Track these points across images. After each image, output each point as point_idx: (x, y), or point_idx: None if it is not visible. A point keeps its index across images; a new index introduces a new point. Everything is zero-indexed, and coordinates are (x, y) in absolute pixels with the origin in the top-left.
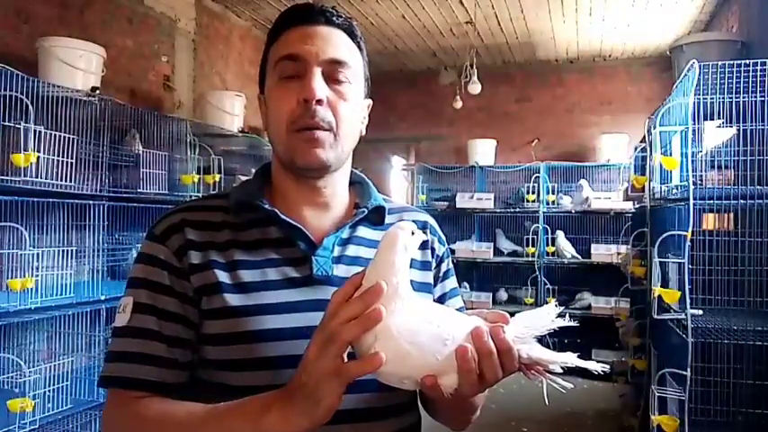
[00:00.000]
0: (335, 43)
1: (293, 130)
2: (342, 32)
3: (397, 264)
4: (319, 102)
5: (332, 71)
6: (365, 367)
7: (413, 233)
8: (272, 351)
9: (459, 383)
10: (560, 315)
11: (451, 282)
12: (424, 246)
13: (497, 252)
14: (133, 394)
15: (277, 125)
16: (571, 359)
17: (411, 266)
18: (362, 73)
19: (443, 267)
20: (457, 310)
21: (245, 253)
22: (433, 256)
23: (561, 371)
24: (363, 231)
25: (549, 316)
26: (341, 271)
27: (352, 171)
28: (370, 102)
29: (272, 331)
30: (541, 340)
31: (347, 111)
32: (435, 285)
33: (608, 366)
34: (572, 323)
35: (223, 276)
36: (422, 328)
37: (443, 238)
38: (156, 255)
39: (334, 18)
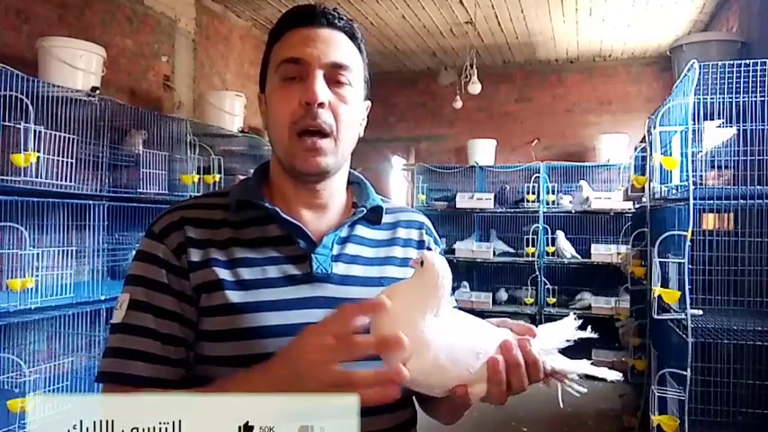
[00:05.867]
0: (337, 46)
1: (295, 132)
2: (343, 35)
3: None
4: (321, 105)
5: (333, 74)
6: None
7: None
8: (270, 348)
9: (487, 392)
10: (580, 327)
11: None
12: (420, 246)
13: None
14: (124, 389)
15: (278, 126)
16: (587, 368)
17: (406, 266)
18: (363, 75)
19: None
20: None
21: (246, 251)
22: None
23: (578, 378)
24: (362, 230)
25: (569, 327)
26: (340, 269)
27: (349, 171)
28: (369, 103)
29: (271, 328)
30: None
31: (348, 113)
32: None
33: (621, 375)
34: (592, 334)
35: (224, 274)
36: (457, 343)
37: (438, 239)
38: (155, 253)
39: (336, 21)
